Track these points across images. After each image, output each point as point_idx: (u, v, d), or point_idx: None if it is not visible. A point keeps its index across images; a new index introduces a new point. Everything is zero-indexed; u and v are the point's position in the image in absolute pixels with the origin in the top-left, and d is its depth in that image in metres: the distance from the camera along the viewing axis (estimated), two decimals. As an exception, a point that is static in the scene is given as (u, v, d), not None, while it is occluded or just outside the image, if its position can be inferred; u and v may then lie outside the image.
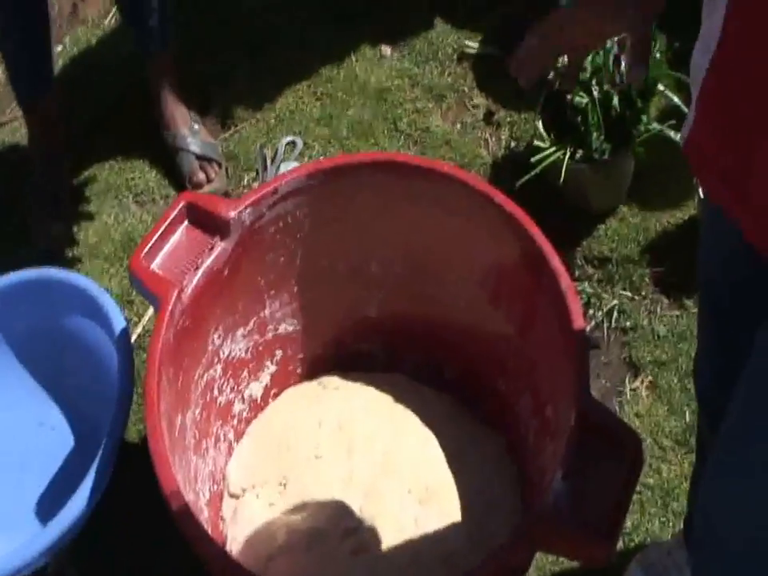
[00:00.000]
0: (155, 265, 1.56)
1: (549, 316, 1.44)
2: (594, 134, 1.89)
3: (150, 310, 2.17)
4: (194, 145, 2.33)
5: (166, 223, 1.58)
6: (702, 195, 1.60)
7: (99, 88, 2.54)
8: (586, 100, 1.86)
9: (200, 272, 1.57)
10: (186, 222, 1.59)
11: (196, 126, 2.36)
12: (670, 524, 1.77)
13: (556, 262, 1.41)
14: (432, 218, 1.63)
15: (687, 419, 1.88)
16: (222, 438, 1.77)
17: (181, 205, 1.59)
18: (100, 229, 2.32)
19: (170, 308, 1.51)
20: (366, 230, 1.71)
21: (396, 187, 1.62)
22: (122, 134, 2.44)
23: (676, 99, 1.84)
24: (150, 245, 1.57)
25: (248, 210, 1.59)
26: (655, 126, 1.92)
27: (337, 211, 1.67)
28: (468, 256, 1.65)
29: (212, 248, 1.58)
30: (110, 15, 2.72)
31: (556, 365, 1.43)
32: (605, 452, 1.23)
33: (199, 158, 2.33)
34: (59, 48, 2.65)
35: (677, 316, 2.01)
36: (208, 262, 1.58)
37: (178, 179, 2.35)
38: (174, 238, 1.59)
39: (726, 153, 0.99)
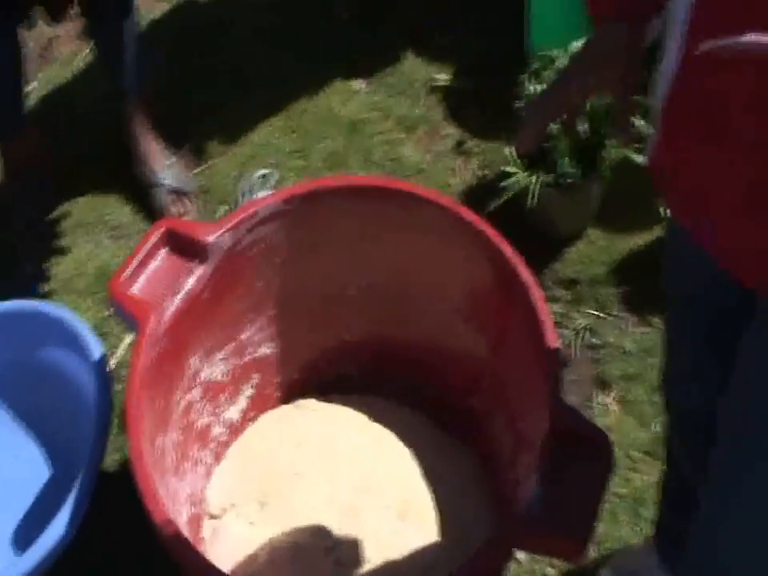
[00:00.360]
0: (135, 289, 1.58)
1: (521, 329, 1.47)
2: (563, 159, 1.95)
3: (125, 341, 2.19)
4: (168, 179, 2.36)
5: (146, 248, 1.60)
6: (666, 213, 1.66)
7: (72, 125, 2.58)
8: (555, 126, 1.92)
9: (179, 296, 1.59)
10: (165, 247, 1.62)
11: (170, 161, 2.39)
12: (641, 530, 1.82)
13: (526, 275, 1.45)
14: (408, 241, 1.68)
15: (655, 431, 1.93)
16: (201, 461, 1.79)
17: (160, 231, 1.62)
18: (74, 263, 2.34)
19: (149, 331, 1.53)
20: (343, 254, 1.74)
21: (372, 211, 1.66)
22: (95, 169, 2.48)
23: (642, 123, 1.89)
24: (129, 270, 1.59)
25: (227, 235, 1.62)
26: (621, 150, 1.98)
27: (314, 235, 1.70)
28: (443, 277, 1.69)
29: (191, 272, 1.61)
30: (83, 53, 2.76)
31: (529, 377, 1.47)
32: (577, 454, 1.27)
33: (173, 191, 2.36)
34: (31, 86, 2.69)
35: (644, 333, 2.08)
36: (187, 286, 1.60)
37: (153, 214, 2.39)
38: (154, 263, 1.61)
39: (685, 171, 1.06)
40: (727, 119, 0.96)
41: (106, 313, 2.22)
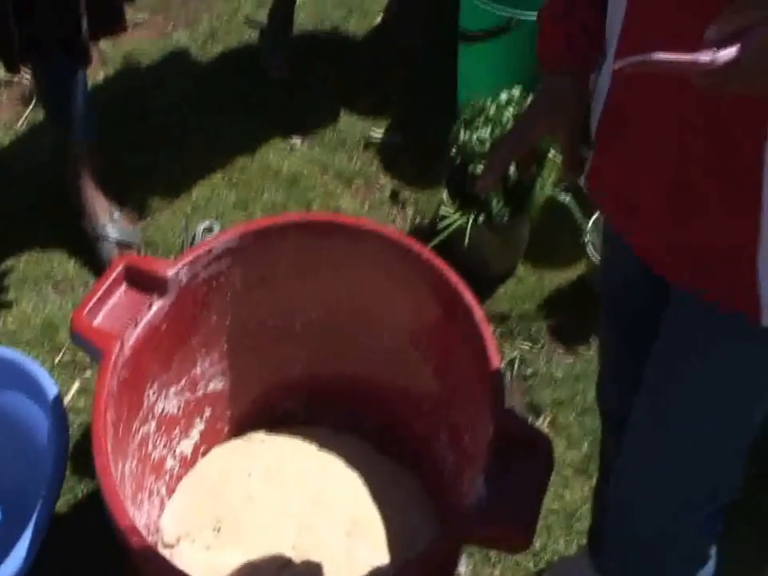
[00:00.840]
0: (97, 321, 1.66)
1: (464, 349, 1.59)
2: (494, 200, 2.09)
3: (74, 388, 2.24)
4: (113, 232, 2.43)
5: (107, 283, 1.68)
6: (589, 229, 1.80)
7: (16, 182, 2.64)
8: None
9: (139, 327, 1.68)
10: (125, 282, 1.70)
11: (114, 215, 2.46)
12: (574, 542, 1.95)
13: (468, 296, 1.57)
14: (354, 273, 1.79)
15: (585, 450, 2.08)
16: (156, 493, 1.85)
17: (120, 266, 1.70)
18: (19, 317, 2.39)
19: (113, 358, 1.61)
20: (292, 289, 1.85)
21: (321, 245, 1.77)
22: (39, 225, 2.54)
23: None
24: (91, 303, 1.66)
25: (184, 269, 1.72)
26: (548, 190, 2.14)
27: (265, 271, 1.81)
28: (387, 307, 1.80)
29: (150, 305, 1.69)
30: (23, 117, 2.82)
31: (471, 392, 1.58)
32: (520, 454, 1.39)
33: (118, 244, 2.43)
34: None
35: (572, 361, 2.24)
36: (147, 318, 1.69)
37: (98, 267, 2.44)
38: (115, 297, 1.69)
39: (617, 178, 1.24)
40: (638, 128, 1.15)
41: (56, 359, 2.28)
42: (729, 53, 0.89)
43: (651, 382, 1.31)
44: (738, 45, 0.89)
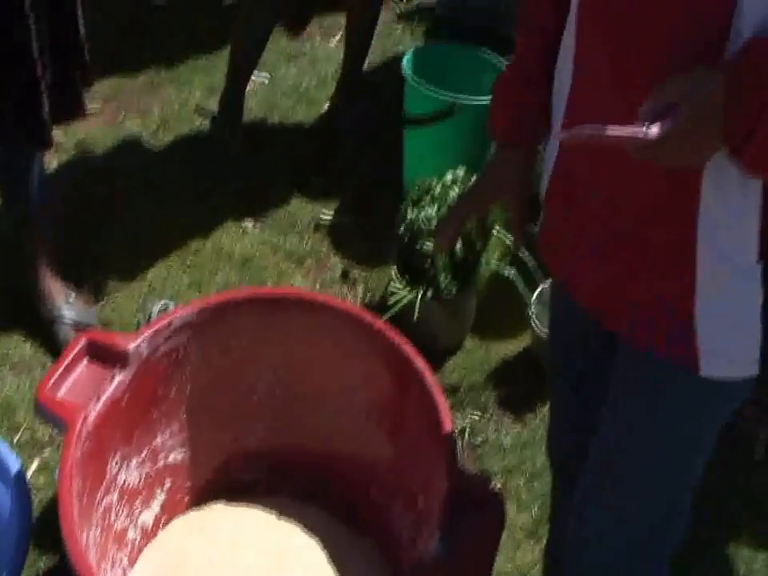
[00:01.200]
0: (60, 394, 1.71)
1: (417, 414, 1.67)
2: (442, 275, 2.19)
3: (34, 465, 2.26)
4: (69, 314, 2.47)
5: (70, 357, 1.73)
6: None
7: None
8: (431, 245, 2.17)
9: (101, 401, 1.72)
10: (87, 356, 1.75)
11: (71, 296, 2.51)
12: (527, 604, 2.01)
13: (420, 364, 1.65)
14: (307, 346, 1.86)
15: (535, 514, 2.16)
16: (118, 563, 1.87)
17: (82, 341, 1.76)
18: (-23, 399, 2.41)
19: (77, 430, 1.65)
20: (250, 361, 1.91)
21: (277, 318, 1.85)
22: (-5, 308, 2.57)
23: (509, 240, 2.17)
24: (55, 377, 1.71)
25: (145, 343, 1.78)
26: (493, 265, 2.24)
27: (223, 344, 1.87)
28: (342, 378, 1.88)
29: (112, 379, 1.75)
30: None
31: (425, 455, 1.65)
32: (473, 511, 1.45)
33: (75, 325, 2.47)
34: None
35: (519, 429, 2.34)
36: (109, 391, 1.74)
37: (55, 348, 2.47)
38: (77, 371, 1.74)
39: (564, 237, 1.35)
40: (584, 189, 1.27)
41: (15, 439, 2.30)
42: (657, 128, 1.01)
43: (603, 430, 1.39)
44: (668, 120, 1.01)
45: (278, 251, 2.72)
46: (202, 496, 2.03)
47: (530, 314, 2.30)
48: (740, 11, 1.04)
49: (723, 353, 1.24)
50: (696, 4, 1.07)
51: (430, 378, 1.63)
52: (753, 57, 1.02)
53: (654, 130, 1.01)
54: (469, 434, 2.30)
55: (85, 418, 1.68)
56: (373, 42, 3.05)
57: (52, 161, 2.97)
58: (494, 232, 2.24)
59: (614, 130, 1.02)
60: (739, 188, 1.13)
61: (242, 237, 2.77)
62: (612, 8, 1.15)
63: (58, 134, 2.90)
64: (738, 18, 1.05)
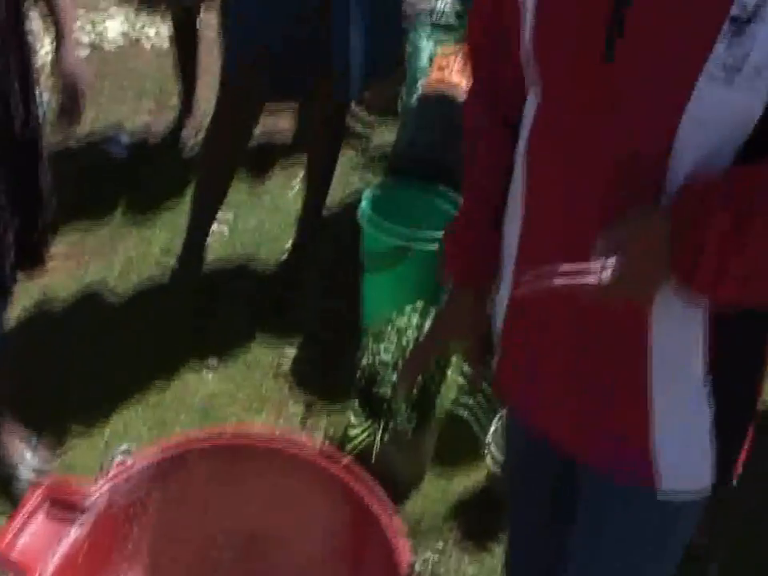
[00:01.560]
0: (17, 549, 1.68)
1: (375, 558, 1.68)
2: (399, 417, 2.22)
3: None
4: (30, 460, 2.48)
5: (26, 511, 1.71)
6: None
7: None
8: (394, 379, 2.21)
9: (57, 556, 1.70)
10: (45, 509, 1.73)
11: (33, 441, 2.52)
12: None
13: (377, 506, 1.67)
14: (270, 489, 1.87)
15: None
16: None
17: (39, 494, 1.74)
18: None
19: (34, 585, 1.65)
20: (207, 512, 1.91)
21: (237, 465, 1.86)
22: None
23: (461, 380, 2.21)
24: (10, 534, 1.68)
25: (102, 496, 1.77)
26: (448, 405, 2.28)
27: (183, 491, 1.87)
28: (300, 524, 1.88)
29: (68, 533, 1.73)
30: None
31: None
32: None
33: (35, 471, 2.47)
34: None
35: (483, 558, 2.36)
36: (65, 546, 1.72)
37: (14, 497, 2.41)
38: (34, 524, 1.71)
39: (521, 372, 1.39)
40: (538, 328, 1.31)
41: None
42: (608, 273, 1.06)
43: (572, 546, 1.43)
44: (618, 259, 1.06)
45: (239, 393, 2.76)
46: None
47: (486, 452, 2.34)
48: (675, 153, 1.11)
49: (682, 472, 1.29)
50: (634, 142, 1.13)
51: (388, 520, 1.65)
52: (695, 189, 1.09)
53: (606, 274, 1.06)
54: (432, 567, 2.33)
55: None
56: (333, 180, 3.12)
57: (15, 307, 2.99)
58: (448, 373, 2.28)
59: (567, 277, 1.08)
60: (684, 315, 1.18)
61: (203, 378, 2.81)
62: (560, 151, 1.20)
63: (21, 277, 2.95)
64: (674, 159, 1.11)
